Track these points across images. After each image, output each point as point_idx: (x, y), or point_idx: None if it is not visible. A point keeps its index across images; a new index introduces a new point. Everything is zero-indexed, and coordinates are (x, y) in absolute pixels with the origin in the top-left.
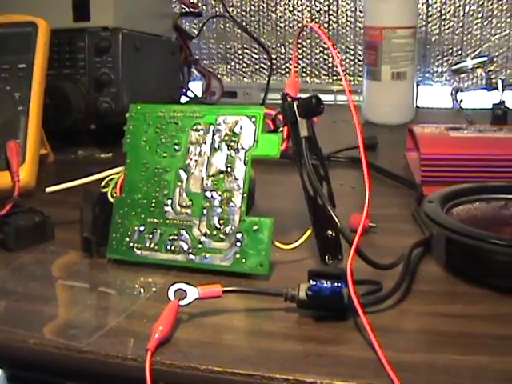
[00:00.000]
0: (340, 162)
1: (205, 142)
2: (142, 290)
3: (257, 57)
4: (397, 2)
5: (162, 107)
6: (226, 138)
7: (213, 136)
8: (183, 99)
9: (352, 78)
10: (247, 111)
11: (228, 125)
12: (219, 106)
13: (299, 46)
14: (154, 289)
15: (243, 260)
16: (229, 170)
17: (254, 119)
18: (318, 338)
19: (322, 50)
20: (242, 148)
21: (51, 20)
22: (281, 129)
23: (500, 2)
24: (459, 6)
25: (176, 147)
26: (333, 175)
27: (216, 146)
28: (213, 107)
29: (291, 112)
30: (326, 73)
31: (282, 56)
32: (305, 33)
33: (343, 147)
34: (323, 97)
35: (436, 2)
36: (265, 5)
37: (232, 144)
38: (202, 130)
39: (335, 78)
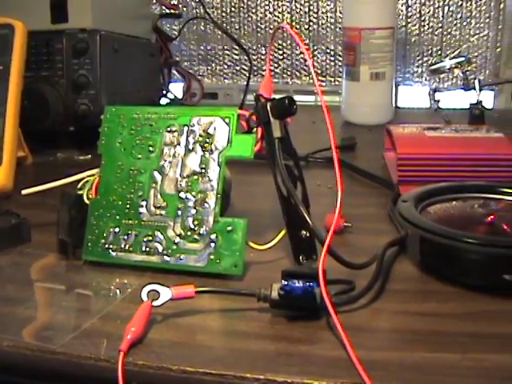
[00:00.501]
0: (318, 162)
1: (179, 144)
2: (116, 291)
3: (237, 58)
4: (375, 3)
5: (136, 109)
6: (200, 139)
7: (187, 137)
8: (163, 101)
9: (332, 79)
10: (221, 112)
11: (202, 126)
12: (193, 107)
13: (280, 47)
14: (128, 290)
15: (217, 261)
16: (203, 171)
17: (227, 120)
18: (290, 338)
19: (301, 51)
20: (216, 149)
21: (28, 22)
22: (254, 129)
23: (479, 3)
24: (438, 7)
25: (150, 149)
26: (311, 175)
27: (190, 147)
28: (187, 108)
29: (264, 113)
30: (306, 74)
31: (263, 57)
32: (286, 34)
33: (322, 148)
34: (304, 98)
35: (415, 3)
36: (245, 6)
37: (206, 145)
38: (176, 131)
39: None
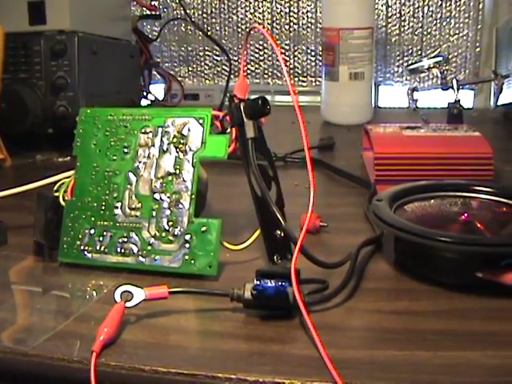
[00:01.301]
0: (296, 162)
1: (153, 145)
2: (92, 292)
3: (218, 59)
4: (354, 3)
5: (111, 111)
6: (175, 140)
7: (161, 138)
8: (144, 102)
9: (313, 79)
10: (195, 113)
11: (176, 127)
12: (168, 108)
13: (260, 47)
14: (104, 291)
15: (192, 261)
16: (177, 171)
17: (201, 121)
18: (263, 337)
19: (283, 51)
20: (190, 150)
21: (6, 23)
22: (228, 130)
23: (458, 3)
24: (418, 7)
25: (125, 150)
26: (288, 175)
27: (164, 148)
28: (162, 110)
29: (238, 113)
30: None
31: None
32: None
33: (300, 148)
34: (285, 98)
35: (395, 3)
36: (226, 7)
37: (180, 146)
38: (150, 132)
39: (296, 79)
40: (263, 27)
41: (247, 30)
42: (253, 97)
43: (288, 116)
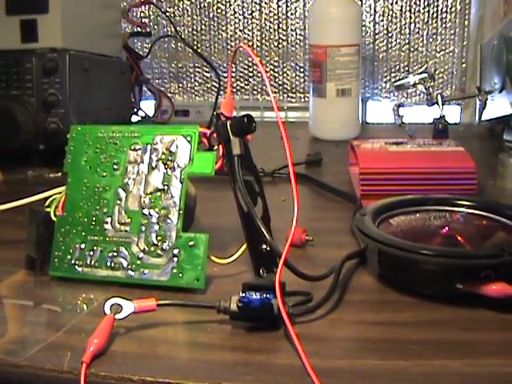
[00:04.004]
0: (284, 177)
1: (142, 161)
2: (82, 305)
3: (208, 75)
4: (340, 20)
5: (101, 128)
6: (163, 156)
7: (150, 155)
8: (134, 118)
9: (302, 95)
10: (183, 130)
11: (165, 144)
12: (157, 125)
13: (250, 64)
14: (94, 304)
15: (180, 275)
16: (165, 187)
17: (189, 138)
18: (248, 348)
19: (272, 68)
20: (178, 166)
21: None
22: (216, 147)
23: (444, 21)
24: (405, 24)
25: (115, 166)
26: (276, 191)
27: (153, 164)
28: (150, 127)
29: (224, 131)
30: (276, 90)
31: (233, 74)
32: (255, 51)
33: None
34: (273, 114)
35: (383, 20)
36: (215, 24)
37: (168, 162)
38: (139, 149)
39: (285, 95)
40: (248, 46)
41: (234, 48)
42: (242, 113)
43: (277, 132)
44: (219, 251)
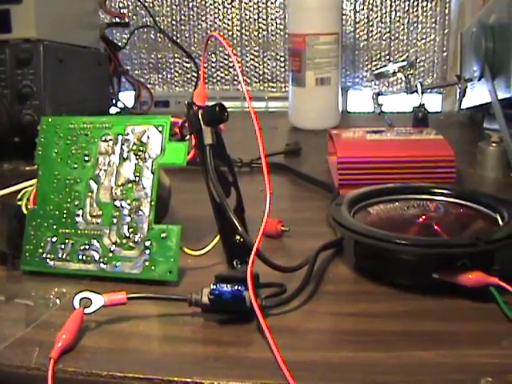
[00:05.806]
0: (261, 168)
1: (114, 152)
2: (53, 300)
3: (188, 66)
4: (319, 9)
5: (72, 119)
6: (134, 147)
7: (121, 146)
8: (113, 110)
9: (283, 85)
10: (154, 121)
11: (136, 134)
12: (129, 116)
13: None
14: (65, 298)
15: (152, 267)
16: (137, 179)
17: (160, 128)
18: (220, 341)
19: (252, 57)
20: (150, 157)
21: None
22: (187, 137)
23: (425, 9)
24: (386, 13)
25: (86, 158)
26: (253, 181)
27: (125, 155)
28: (122, 117)
29: (196, 120)
30: (257, 80)
31: (213, 64)
32: (235, 41)
33: (267, 153)
34: (255, 103)
35: (363, 9)
36: (195, 14)
37: (140, 153)
38: (110, 140)
39: (266, 85)
40: (220, 35)
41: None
42: (224, 103)
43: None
44: (195, 243)
